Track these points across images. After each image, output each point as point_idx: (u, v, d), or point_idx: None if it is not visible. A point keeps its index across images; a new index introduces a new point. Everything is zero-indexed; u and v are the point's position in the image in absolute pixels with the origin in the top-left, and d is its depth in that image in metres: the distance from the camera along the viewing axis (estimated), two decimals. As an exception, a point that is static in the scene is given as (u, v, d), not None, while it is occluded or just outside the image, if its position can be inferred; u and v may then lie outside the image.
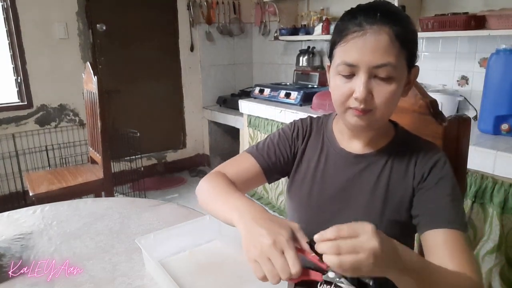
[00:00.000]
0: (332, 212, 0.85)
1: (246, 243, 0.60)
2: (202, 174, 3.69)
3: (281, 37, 3.27)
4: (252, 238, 0.59)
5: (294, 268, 0.55)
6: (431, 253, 0.73)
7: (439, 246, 0.72)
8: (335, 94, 0.77)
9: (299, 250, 0.58)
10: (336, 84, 0.76)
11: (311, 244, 0.57)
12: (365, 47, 0.70)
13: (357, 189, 0.84)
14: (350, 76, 0.74)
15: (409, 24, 0.74)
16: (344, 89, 0.74)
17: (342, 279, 0.55)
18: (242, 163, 0.90)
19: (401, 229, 0.82)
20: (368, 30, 0.70)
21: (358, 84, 0.72)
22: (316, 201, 0.88)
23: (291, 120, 0.97)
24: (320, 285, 0.56)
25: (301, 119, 0.96)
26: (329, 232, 0.54)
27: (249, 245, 0.59)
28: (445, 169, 0.79)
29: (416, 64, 0.79)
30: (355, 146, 0.86)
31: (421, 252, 0.81)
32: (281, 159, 0.91)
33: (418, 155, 0.81)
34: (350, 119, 0.77)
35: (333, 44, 0.78)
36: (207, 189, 0.82)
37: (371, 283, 0.56)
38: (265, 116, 2.83)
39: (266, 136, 0.97)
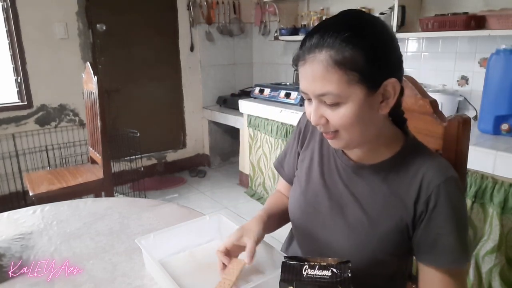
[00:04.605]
0: (325, 217, 0.84)
1: None
2: (202, 174, 3.69)
3: (281, 37, 3.27)
4: None
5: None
6: (426, 286, 0.77)
7: (435, 285, 0.75)
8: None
9: None
10: (305, 107, 0.78)
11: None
12: (307, 76, 0.70)
13: (352, 199, 0.81)
14: (310, 100, 0.74)
15: (362, 41, 0.66)
16: (308, 113, 0.76)
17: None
18: (279, 180, 1.05)
19: (397, 248, 0.78)
20: (307, 59, 0.69)
21: (312, 110, 0.73)
22: (312, 203, 0.87)
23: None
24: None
25: (300, 118, 0.98)
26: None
27: None
28: (453, 197, 0.72)
29: (393, 78, 0.69)
30: (350, 155, 0.83)
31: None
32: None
33: (424, 176, 0.74)
34: (328, 141, 0.79)
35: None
36: None
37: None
38: (265, 116, 2.83)
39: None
